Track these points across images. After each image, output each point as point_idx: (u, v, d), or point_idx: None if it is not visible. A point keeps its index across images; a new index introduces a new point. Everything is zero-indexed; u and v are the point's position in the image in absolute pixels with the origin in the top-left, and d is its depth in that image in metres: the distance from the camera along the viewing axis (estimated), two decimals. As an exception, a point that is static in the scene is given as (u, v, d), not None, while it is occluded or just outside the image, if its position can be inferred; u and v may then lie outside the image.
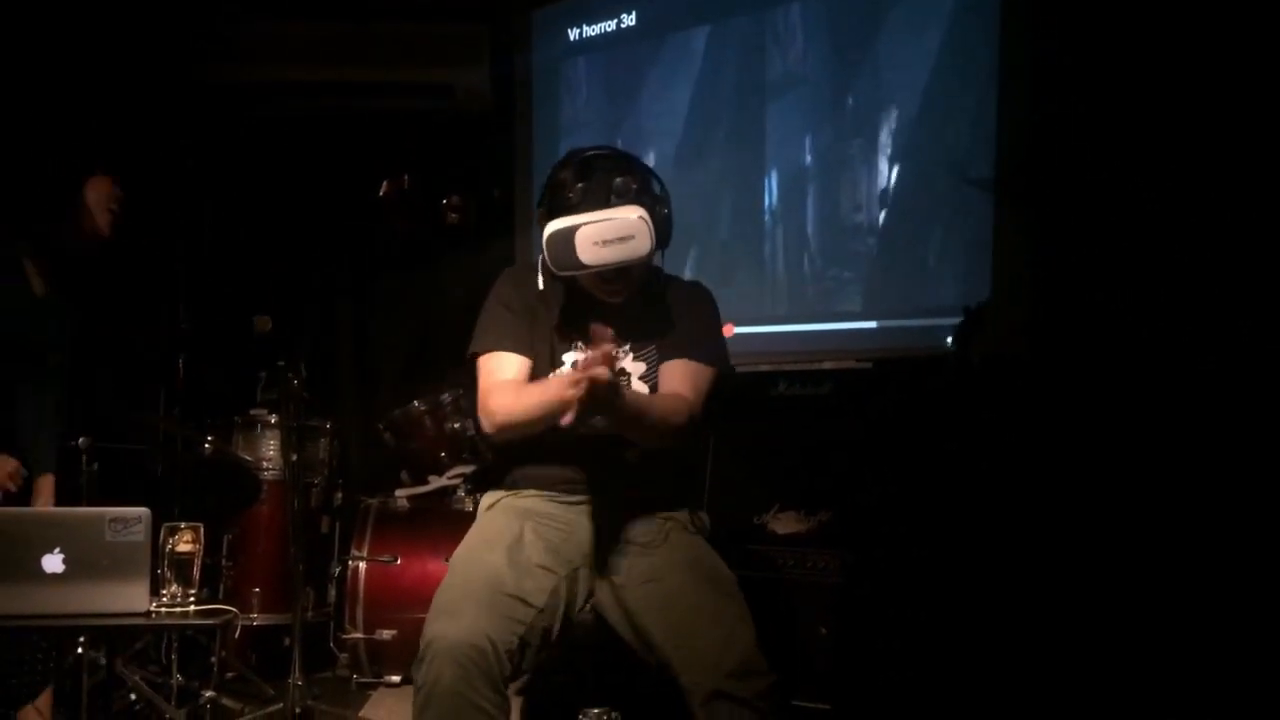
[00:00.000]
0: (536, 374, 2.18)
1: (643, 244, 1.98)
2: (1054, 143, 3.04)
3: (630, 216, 1.98)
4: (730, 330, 3.66)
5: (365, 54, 4.17)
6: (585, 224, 1.98)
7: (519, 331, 2.19)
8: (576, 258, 1.99)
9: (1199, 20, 2.77)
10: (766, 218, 3.81)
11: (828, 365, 3.55)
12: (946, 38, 3.39)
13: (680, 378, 2.15)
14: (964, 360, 2.92)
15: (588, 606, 2.12)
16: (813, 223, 3.70)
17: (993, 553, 2.69)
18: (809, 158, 3.70)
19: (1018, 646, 2.62)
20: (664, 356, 2.18)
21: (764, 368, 3.67)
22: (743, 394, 3.52)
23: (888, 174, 3.52)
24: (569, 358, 2.19)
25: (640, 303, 2.21)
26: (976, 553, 2.72)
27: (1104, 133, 2.92)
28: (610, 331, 1.85)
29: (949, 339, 3.04)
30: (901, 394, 3.18)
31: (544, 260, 2.06)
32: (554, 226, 2.00)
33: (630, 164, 2.15)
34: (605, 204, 2.03)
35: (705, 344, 2.19)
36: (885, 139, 3.52)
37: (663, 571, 2.04)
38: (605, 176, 2.07)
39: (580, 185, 2.06)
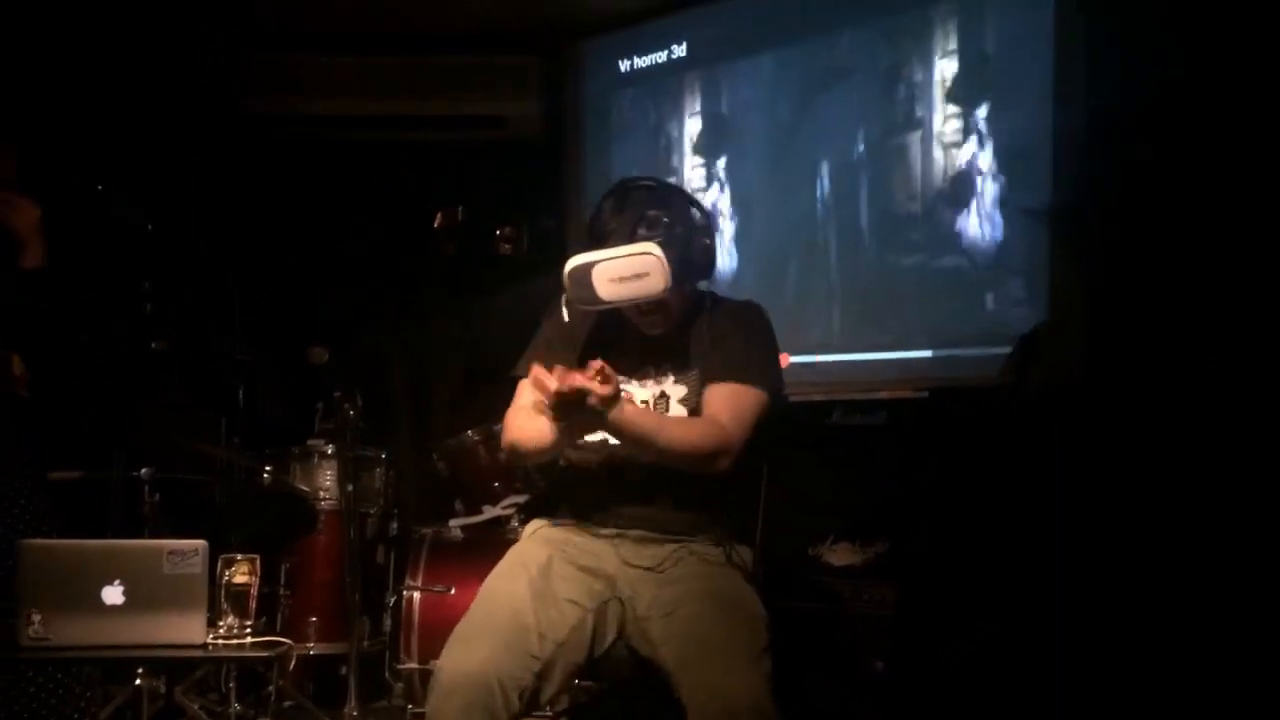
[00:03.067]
0: None
1: (657, 282, 1.98)
2: (1112, 161, 2.99)
3: (646, 253, 1.98)
4: (785, 360, 3.64)
5: (417, 87, 4.23)
6: (602, 260, 2.00)
7: (552, 360, 2.18)
8: (595, 293, 2.00)
9: (1264, 36, 2.71)
10: (821, 246, 3.79)
11: (883, 395, 3.50)
12: (999, 63, 3.36)
13: (718, 401, 2.10)
14: (1020, 389, 2.87)
15: (619, 641, 2.09)
16: (869, 252, 3.67)
17: (1052, 586, 2.63)
18: (863, 187, 3.68)
19: (1077, 681, 2.55)
20: (706, 380, 2.14)
21: (818, 397, 3.63)
22: (797, 423, 3.49)
23: (943, 205, 3.48)
24: None
25: (683, 325, 2.20)
26: (1035, 586, 2.66)
27: (1166, 148, 2.85)
28: (599, 362, 1.90)
29: (1003, 368, 2.99)
30: (957, 424, 3.13)
31: (564, 298, 2.09)
32: (573, 263, 2.02)
33: (669, 196, 2.15)
34: (632, 237, 2.04)
35: (749, 365, 2.13)
36: (939, 168, 3.48)
37: (683, 604, 2.01)
38: (639, 209, 2.08)
39: (613, 216, 2.08)
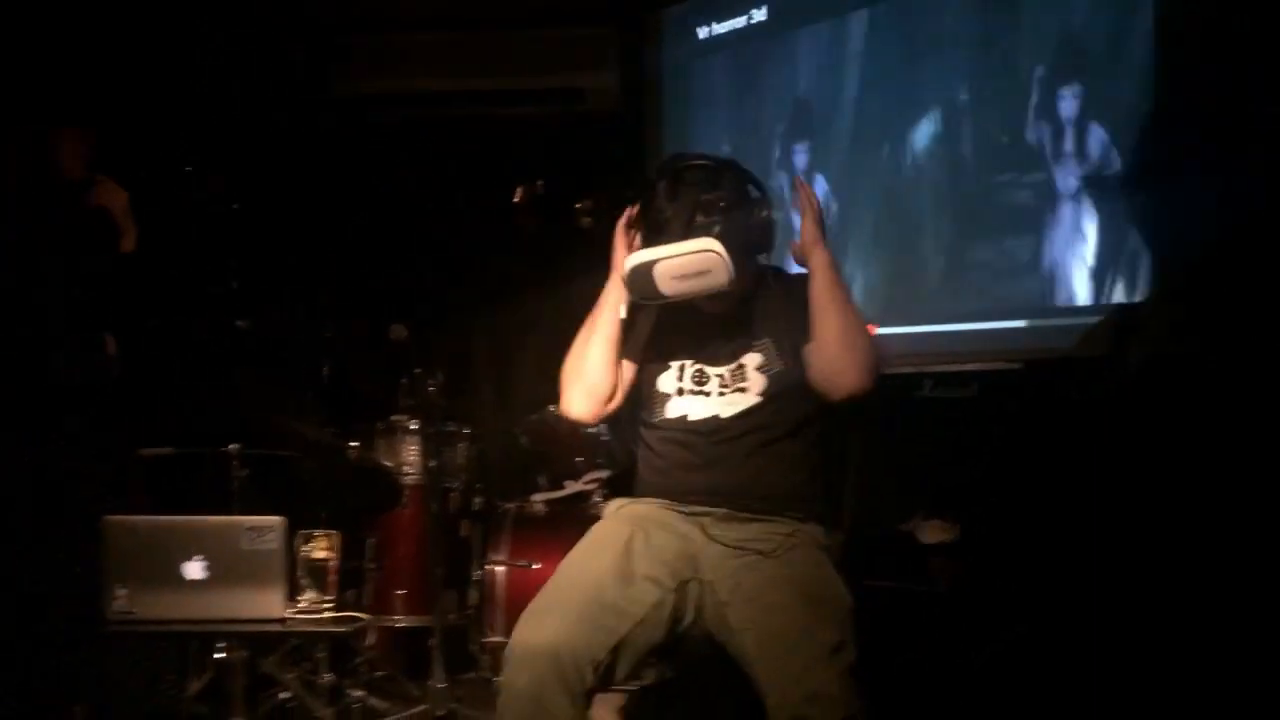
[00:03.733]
0: (640, 379, 2.23)
1: (719, 277, 1.97)
2: (1222, 114, 2.81)
3: (706, 251, 1.97)
4: (872, 330, 3.55)
5: (495, 62, 4.23)
6: (663, 259, 1.99)
7: (631, 337, 2.20)
8: (658, 290, 2.00)
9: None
10: (910, 215, 3.67)
11: (974, 366, 3.39)
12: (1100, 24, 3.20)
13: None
14: (1120, 361, 2.74)
15: (697, 623, 2.06)
16: (961, 220, 3.55)
17: (1151, 565, 2.51)
18: (949, 144, 3.55)
19: (1177, 653, 2.43)
20: (790, 347, 2.12)
21: (907, 369, 3.53)
22: (885, 397, 3.40)
23: (1038, 166, 3.34)
24: (677, 360, 2.20)
25: (747, 300, 2.18)
26: (1134, 564, 2.54)
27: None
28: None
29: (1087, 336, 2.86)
30: (1053, 396, 3.01)
31: (627, 293, 2.10)
32: (634, 261, 2.01)
33: (721, 175, 2.11)
34: (689, 224, 2.03)
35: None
36: (1035, 136, 3.34)
37: (766, 588, 1.97)
38: (693, 193, 2.05)
39: (669, 204, 2.06)
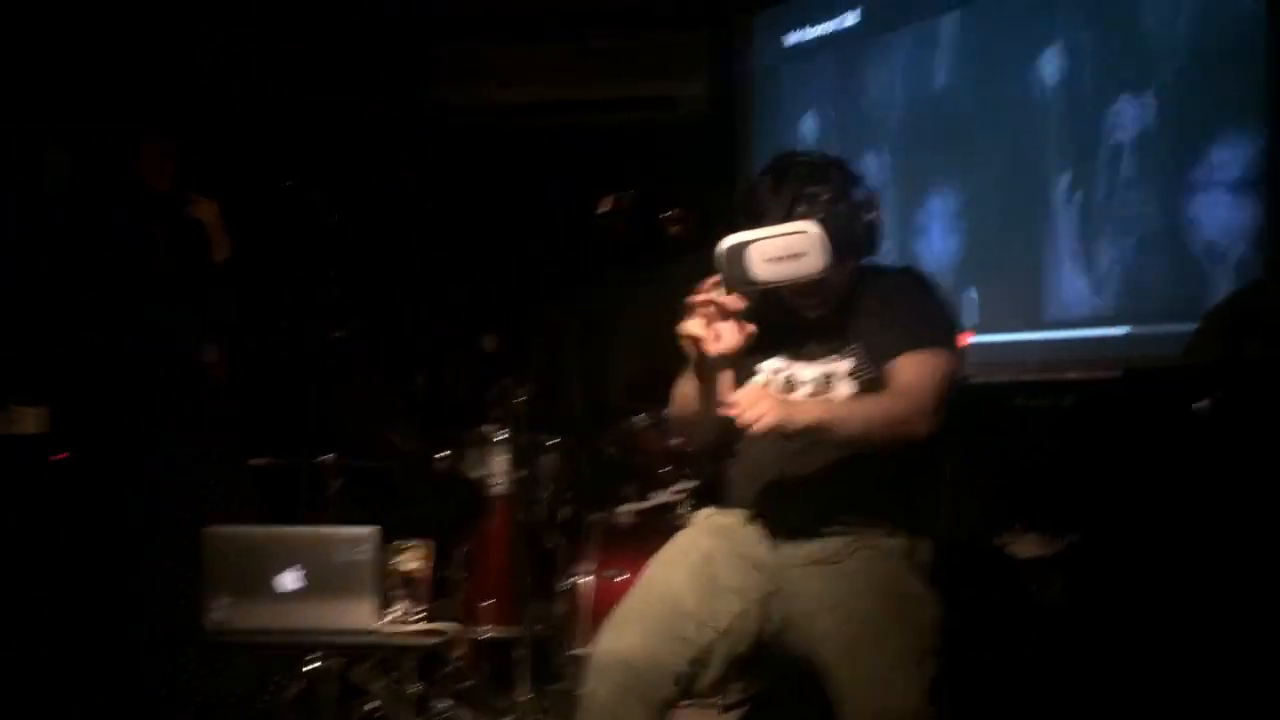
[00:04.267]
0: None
1: (815, 261, 1.87)
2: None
3: (803, 232, 1.88)
4: (968, 339, 3.47)
5: (585, 72, 4.24)
6: (757, 240, 1.89)
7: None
8: (750, 274, 1.90)
9: None
10: (1003, 217, 3.58)
11: (1071, 375, 3.29)
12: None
13: (900, 373, 1.99)
14: (1233, 363, 2.62)
15: (780, 635, 2.02)
16: (1063, 224, 3.45)
17: (1258, 585, 2.40)
18: (1046, 149, 3.46)
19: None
20: (883, 356, 2.03)
21: (1002, 379, 3.45)
22: (979, 407, 3.32)
23: (1146, 177, 3.23)
24: (767, 364, 2.13)
25: (844, 303, 2.10)
26: (1244, 582, 2.43)
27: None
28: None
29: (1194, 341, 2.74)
30: (1156, 404, 2.90)
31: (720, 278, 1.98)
32: (727, 243, 1.91)
33: (826, 171, 2.04)
34: (789, 215, 1.94)
35: (923, 329, 2.02)
36: (1134, 122, 3.23)
37: (849, 598, 1.93)
38: (796, 184, 1.99)
39: (770, 194, 1.99)
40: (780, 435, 1.88)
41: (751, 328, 1.96)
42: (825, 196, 1.98)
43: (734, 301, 1.92)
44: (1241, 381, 2.61)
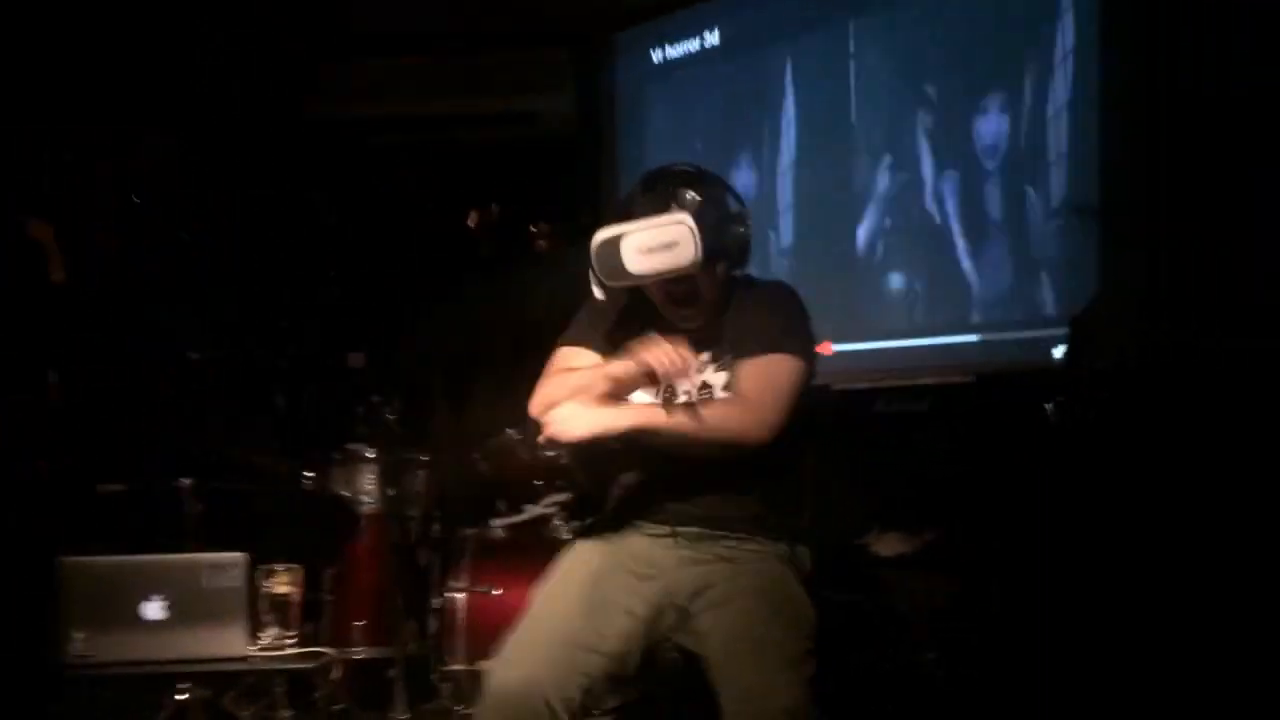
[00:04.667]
0: None
1: (688, 251, 1.89)
2: (1167, 132, 2.88)
3: (677, 223, 1.90)
4: (829, 348, 3.58)
5: (446, 87, 4.21)
6: (630, 232, 1.91)
7: (602, 337, 2.15)
8: (624, 267, 1.91)
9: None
10: (860, 229, 3.72)
11: (928, 381, 3.43)
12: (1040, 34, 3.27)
13: (746, 377, 2.02)
14: (1074, 373, 2.79)
15: (669, 644, 2.05)
16: (909, 232, 3.60)
17: (1104, 578, 2.55)
18: (899, 164, 3.60)
19: (1138, 678, 2.47)
20: (736, 358, 2.06)
21: (862, 385, 3.57)
22: (841, 413, 3.42)
23: (986, 176, 3.40)
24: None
25: (718, 315, 2.13)
26: (1090, 576, 2.58)
27: (1228, 115, 2.74)
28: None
29: (1057, 351, 2.91)
30: (1005, 409, 3.05)
31: (593, 274, 1.99)
32: (600, 236, 1.93)
33: (700, 178, 2.08)
34: (662, 213, 1.96)
35: (777, 336, 2.04)
36: (981, 137, 3.40)
37: (733, 596, 1.97)
38: (669, 187, 2.01)
39: (644, 196, 2.01)
40: (602, 441, 1.90)
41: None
42: (698, 199, 2.00)
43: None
44: (1082, 387, 2.78)
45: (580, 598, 1.99)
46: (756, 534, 2.09)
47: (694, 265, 1.92)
